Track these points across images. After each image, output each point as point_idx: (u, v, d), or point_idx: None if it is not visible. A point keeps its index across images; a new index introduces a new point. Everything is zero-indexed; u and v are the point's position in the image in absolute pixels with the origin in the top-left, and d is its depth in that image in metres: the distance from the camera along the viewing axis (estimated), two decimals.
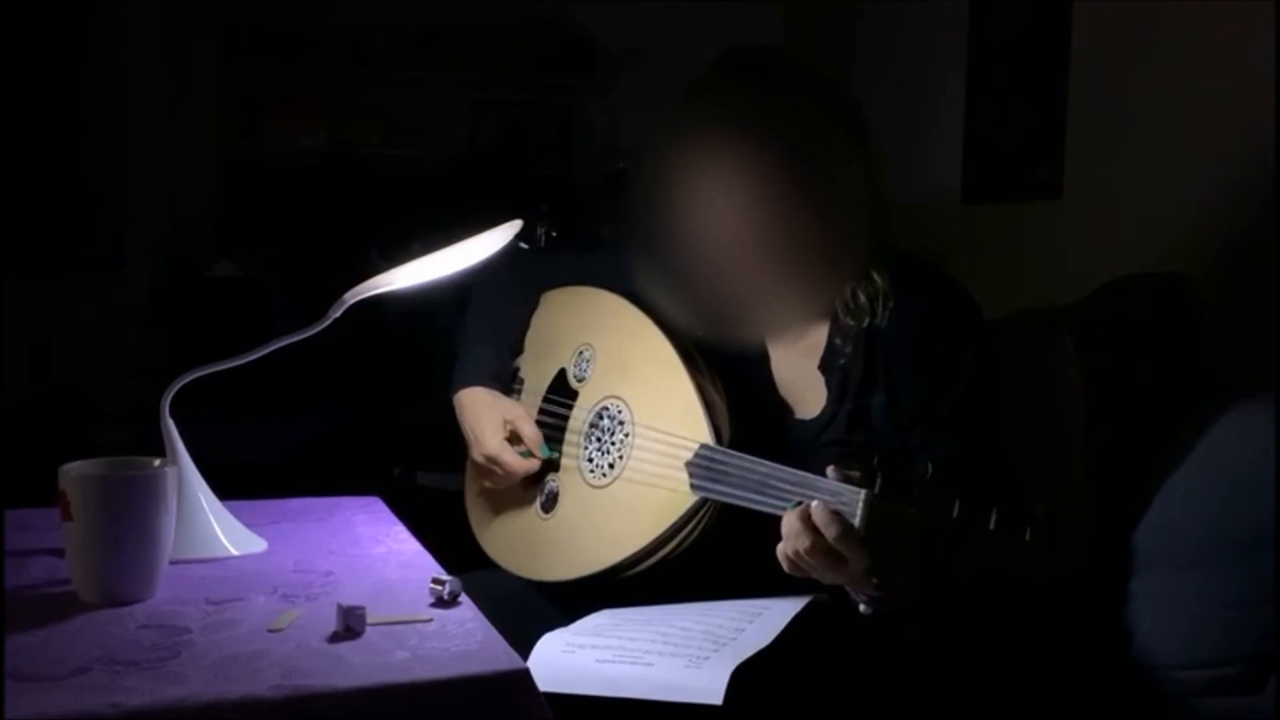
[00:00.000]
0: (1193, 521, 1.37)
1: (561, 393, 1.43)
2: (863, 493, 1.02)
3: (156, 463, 1.09)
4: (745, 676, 1.01)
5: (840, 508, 1.03)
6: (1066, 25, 2.50)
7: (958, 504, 0.99)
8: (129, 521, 1.00)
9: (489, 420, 1.39)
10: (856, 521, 1.02)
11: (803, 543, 1.04)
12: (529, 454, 1.38)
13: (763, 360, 1.33)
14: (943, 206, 2.98)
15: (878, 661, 1.22)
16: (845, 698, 1.18)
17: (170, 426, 1.18)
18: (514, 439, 1.39)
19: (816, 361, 1.28)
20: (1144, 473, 1.43)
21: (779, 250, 1.20)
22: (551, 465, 1.40)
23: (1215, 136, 2.07)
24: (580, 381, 1.41)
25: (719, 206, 1.20)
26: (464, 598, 1.03)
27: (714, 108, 1.22)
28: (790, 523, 1.06)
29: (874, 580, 1.07)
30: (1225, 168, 2.04)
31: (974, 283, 1.35)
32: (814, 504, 1.04)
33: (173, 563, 1.07)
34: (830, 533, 1.02)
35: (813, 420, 1.28)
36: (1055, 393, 1.51)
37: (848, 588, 1.13)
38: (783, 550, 1.07)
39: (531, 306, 1.53)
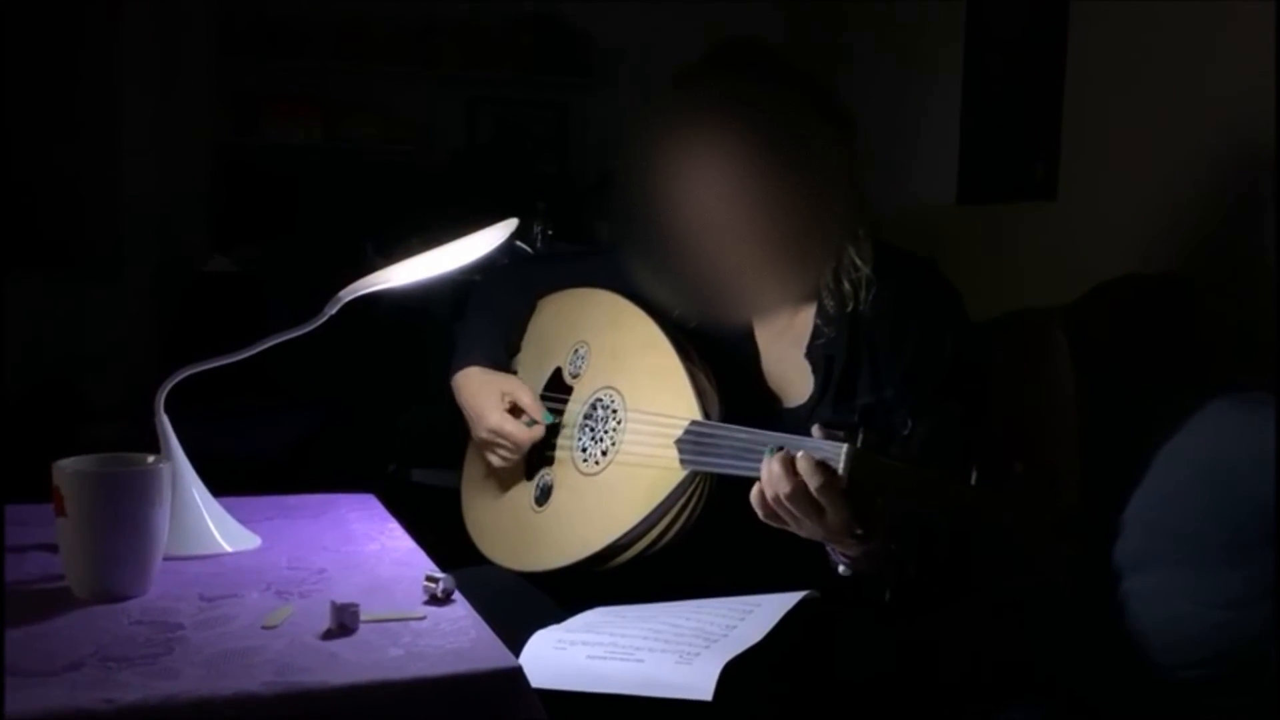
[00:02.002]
0: (1185, 521, 1.38)
1: (557, 390, 1.44)
2: (845, 445, 1.04)
3: (150, 459, 1.09)
4: (736, 673, 1.02)
5: (824, 459, 1.05)
6: (1063, 25, 2.51)
7: (938, 463, 1.01)
8: (122, 517, 1.01)
9: (487, 395, 1.40)
10: (840, 471, 1.04)
11: (783, 487, 1.06)
12: (532, 424, 1.39)
13: (752, 351, 1.35)
14: (938, 206, 2.98)
15: (868, 659, 1.23)
16: (835, 695, 1.19)
17: (164, 423, 1.18)
18: (514, 412, 1.40)
19: (802, 350, 1.31)
20: (1137, 472, 1.43)
21: (763, 227, 1.22)
22: (545, 461, 1.40)
23: (1211, 137, 2.07)
24: (575, 377, 1.42)
25: (703, 189, 1.23)
26: (457, 595, 1.04)
27: (698, 93, 1.24)
28: (771, 467, 1.07)
29: (857, 531, 1.08)
30: (1221, 168, 2.04)
31: (969, 283, 1.36)
32: (799, 452, 1.06)
33: (166, 559, 1.07)
34: (814, 482, 1.04)
35: (800, 407, 1.30)
36: (1049, 392, 1.52)
37: (827, 547, 1.15)
38: (759, 494, 1.09)
39: (529, 308, 1.54)
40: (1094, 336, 1.61)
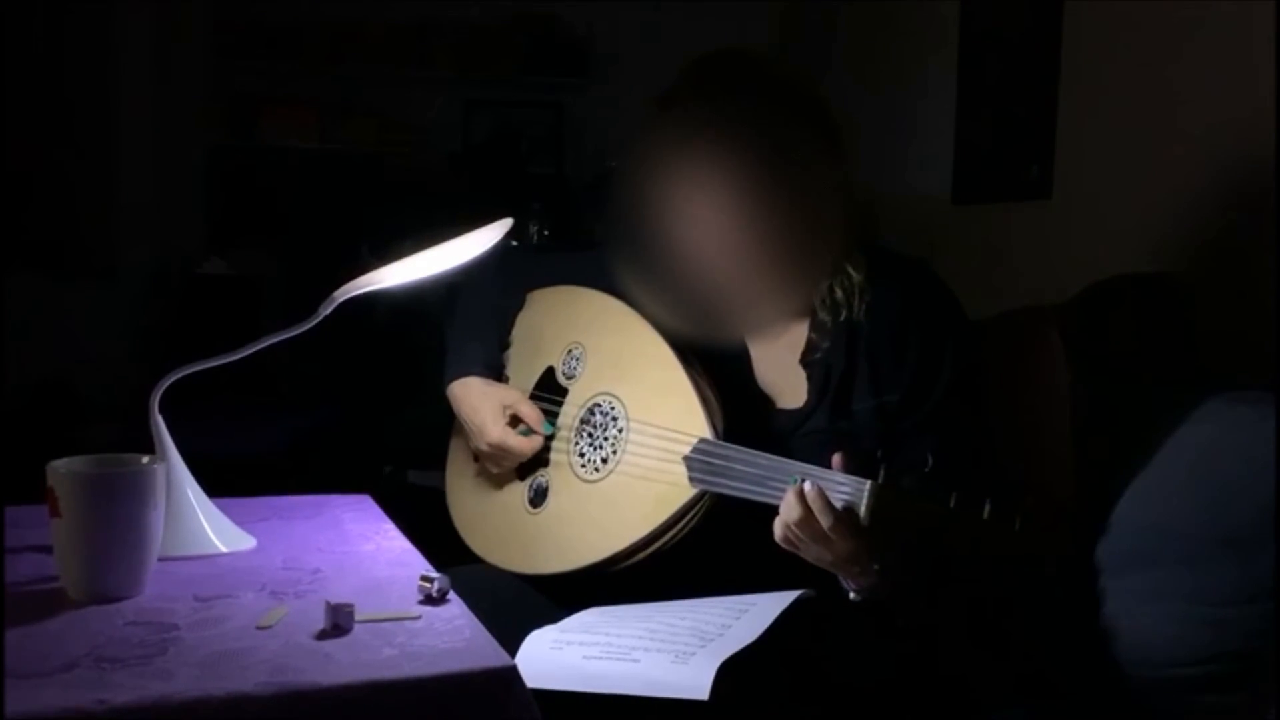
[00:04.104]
0: (1180, 519, 1.38)
1: (549, 390, 1.44)
2: (868, 484, 1.07)
3: (145, 460, 1.09)
4: (732, 672, 1.02)
5: (845, 497, 1.08)
6: (1058, 25, 2.51)
7: (954, 496, 1.03)
8: (117, 518, 1.01)
9: (487, 408, 1.40)
10: (862, 510, 1.07)
11: (793, 515, 1.09)
12: (529, 433, 1.39)
13: (744, 358, 1.35)
14: (933, 206, 2.98)
15: (864, 657, 1.23)
16: (831, 693, 1.19)
17: (159, 423, 1.18)
18: (513, 423, 1.40)
19: (797, 357, 1.31)
20: (1131, 471, 1.44)
21: (753, 251, 1.22)
22: (539, 463, 1.40)
23: (1206, 137, 2.07)
24: (570, 379, 1.42)
25: (693, 211, 1.23)
26: (452, 595, 1.04)
27: (684, 115, 1.24)
28: (787, 497, 1.11)
29: (874, 567, 1.11)
30: (1215, 168, 2.04)
31: (964, 282, 1.36)
32: (807, 484, 1.09)
33: (161, 560, 1.07)
34: (826, 520, 1.07)
35: (795, 411, 1.30)
36: (1043, 392, 1.52)
37: (839, 575, 1.16)
38: (777, 523, 1.12)
39: (518, 303, 1.54)
40: (1089, 336, 1.61)
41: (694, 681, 1.02)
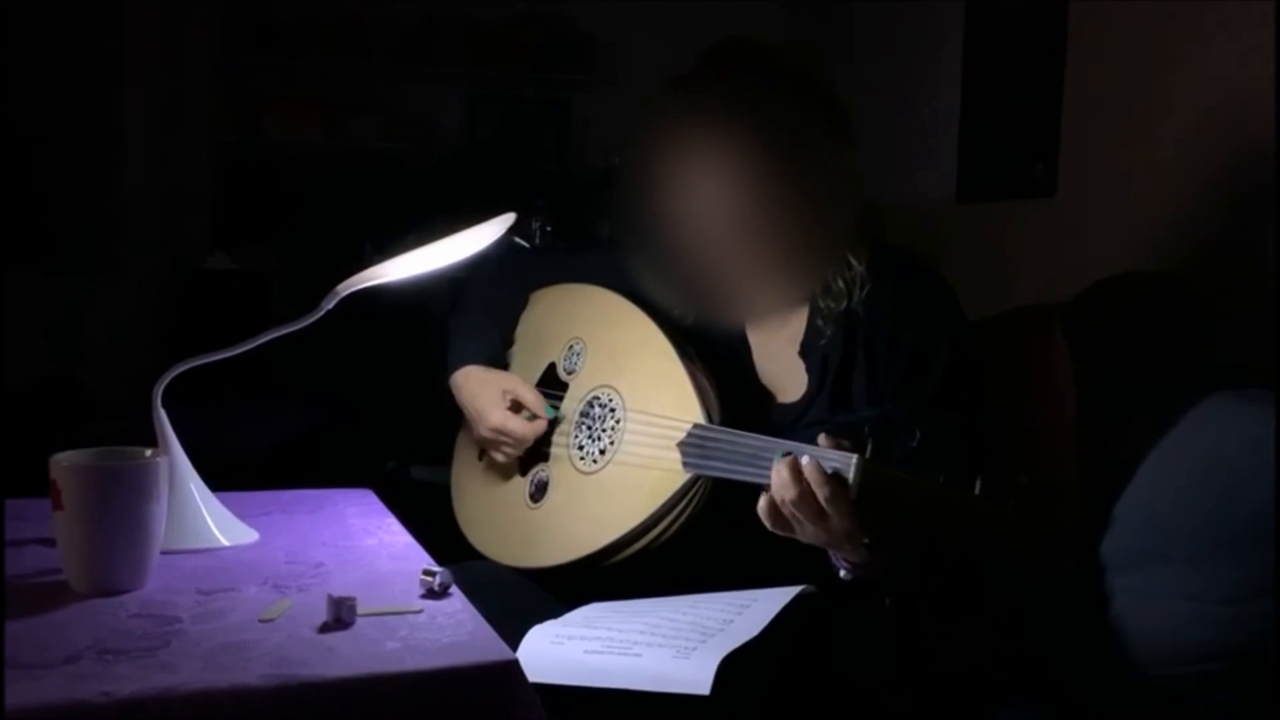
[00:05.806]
0: (1184, 517, 1.38)
1: (551, 386, 1.44)
2: (855, 457, 1.05)
3: (148, 453, 1.09)
4: (733, 667, 1.02)
5: (835, 469, 1.06)
6: (1063, 22, 2.51)
7: (944, 474, 1.02)
8: (120, 511, 1.01)
9: (488, 395, 1.40)
10: (850, 480, 1.05)
11: (789, 493, 1.06)
12: (533, 419, 1.39)
13: (745, 351, 1.36)
14: (938, 204, 2.98)
15: (866, 654, 1.23)
16: (832, 689, 1.19)
17: (162, 417, 1.18)
18: (514, 409, 1.40)
19: (797, 348, 1.31)
20: (1135, 470, 1.44)
21: (762, 235, 1.23)
22: (539, 457, 1.41)
23: (1210, 136, 2.07)
24: (570, 374, 1.43)
25: (706, 190, 1.23)
26: (454, 589, 1.04)
27: (696, 96, 1.24)
28: (780, 473, 1.07)
29: (864, 540, 1.09)
30: (1220, 166, 2.04)
31: (969, 280, 1.36)
32: (804, 458, 1.06)
33: (164, 553, 1.07)
34: (823, 492, 1.04)
35: (794, 403, 1.31)
36: (1048, 389, 1.52)
37: (830, 552, 1.15)
38: (768, 502, 1.10)
39: (522, 302, 1.54)
40: (1093, 334, 1.61)
41: (695, 676, 1.02)
